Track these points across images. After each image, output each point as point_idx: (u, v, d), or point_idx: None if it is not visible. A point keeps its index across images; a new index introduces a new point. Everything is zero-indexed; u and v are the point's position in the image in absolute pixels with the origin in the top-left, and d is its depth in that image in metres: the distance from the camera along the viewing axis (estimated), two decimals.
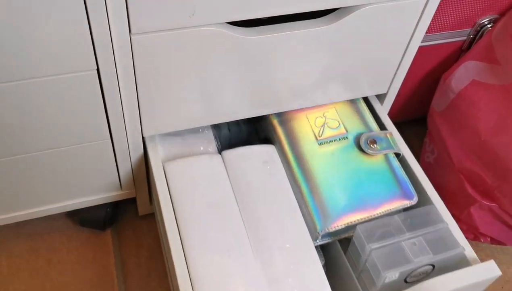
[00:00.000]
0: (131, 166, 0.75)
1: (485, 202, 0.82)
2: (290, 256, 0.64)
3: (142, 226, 0.88)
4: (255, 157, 0.72)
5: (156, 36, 0.57)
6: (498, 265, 0.90)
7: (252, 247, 0.64)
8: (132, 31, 0.55)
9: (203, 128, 0.76)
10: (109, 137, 0.68)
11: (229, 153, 0.72)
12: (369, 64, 0.74)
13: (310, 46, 0.67)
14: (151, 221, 0.88)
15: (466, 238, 0.68)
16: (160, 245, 0.85)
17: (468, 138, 0.82)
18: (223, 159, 0.71)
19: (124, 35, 0.55)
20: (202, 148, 0.73)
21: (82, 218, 0.84)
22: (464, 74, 0.85)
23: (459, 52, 0.91)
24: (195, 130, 0.75)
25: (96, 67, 0.57)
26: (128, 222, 0.88)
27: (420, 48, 0.78)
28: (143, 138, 0.71)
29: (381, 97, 0.84)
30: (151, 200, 0.84)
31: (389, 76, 0.79)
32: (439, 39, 0.87)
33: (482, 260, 0.66)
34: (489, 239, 0.88)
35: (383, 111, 0.83)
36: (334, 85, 0.75)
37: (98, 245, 0.85)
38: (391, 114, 0.84)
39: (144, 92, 0.63)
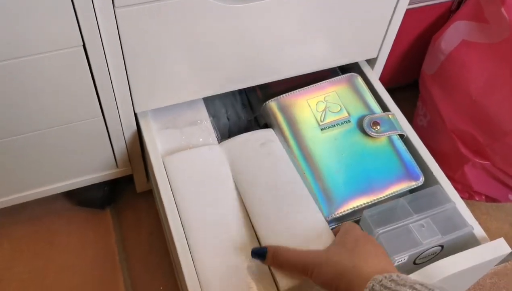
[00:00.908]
0: (125, 143, 0.75)
1: (478, 161, 0.83)
2: (297, 237, 0.62)
3: (140, 203, 0.89)
4: (253, 141, 0.71)
5: (140, 8, 0.56)
6: (493, 222, 0.92)
7: (256, 229, 0.63)
8: (116, 4, 0.55)
9: (201, 119, 0.75)
10: (101, 115, 0.68)
11: (228, 142, 0.71)
12: (357, 28, 0.74)
13: (296, 12, 0.66)
14: (150, 198, 0.88)
15: (462, 197, 0.68)
16: (159, 221, 0.86)
17: (460, 99, 0.82)
18: (222, 149, 0.70)
19: (108, 9, 0.55)
20: (201, 139, 0.72)
21: (80, 198, 0.85)
22: (454, 34, 0.85)
23: (448, 13, 0.91)
24: (193, 122, 0.74)
25: (82, 43, 0.57)
26: (127, 200, 0.89)
27: (409, 10, 0.77)
28: (135, 114, 0.71)
29: (371, 62, 0.84)
30: (148, 176, 0.85)
31: (378, 40, 0.79)
32: (427, 1, 0.87)
33: (478, 218, 0.67)
34: (483, 197, 0.89)
35: (374, 77, 0.82)
36: (324, 51, 0.75)
37: (98, 225, 0.86)
38: (382, 80, 0.83)
39: (132, 66, 0.63)
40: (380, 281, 0.41)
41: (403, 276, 0.41)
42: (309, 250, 0.56)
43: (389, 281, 0.41)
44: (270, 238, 0.62)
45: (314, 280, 0.51)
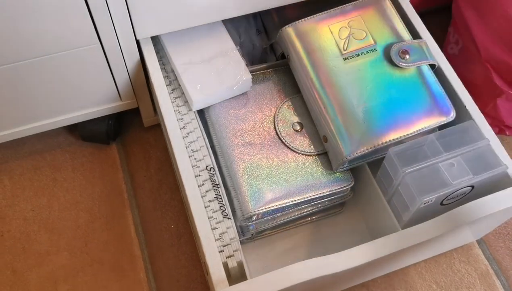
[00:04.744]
0: (128, 73, 0.69)
1: None
2: None
3: (148, 138, 0.84)
4: None
5: None
6: None
7: None
8: None
9: (227, 49, 0.69)
10: (98, 42, 0.62)
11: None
12: None
13: None
14: (158, 132, 0.84)
15: None
16: (169, 157, 0.82)
17: (498, 23, 0.75)
18: None
19: None
20: (232, 71, 0.67)
21: (83, 132, 0.81)
22: None
23: None
24: (220, 53, 0.68)
25: None
26: (134, 134, 0.85)
27: None
28: (137, 41, 0.65)
29: None
30: (155, 110, 0.80)
31: None
32: None
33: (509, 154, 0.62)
34: None
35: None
36: None
37: (104, 160, 0.82)
38: (413, 3, 0.76)
39: None
40: None
41: None
42: None
43: None
44: None
45: None
